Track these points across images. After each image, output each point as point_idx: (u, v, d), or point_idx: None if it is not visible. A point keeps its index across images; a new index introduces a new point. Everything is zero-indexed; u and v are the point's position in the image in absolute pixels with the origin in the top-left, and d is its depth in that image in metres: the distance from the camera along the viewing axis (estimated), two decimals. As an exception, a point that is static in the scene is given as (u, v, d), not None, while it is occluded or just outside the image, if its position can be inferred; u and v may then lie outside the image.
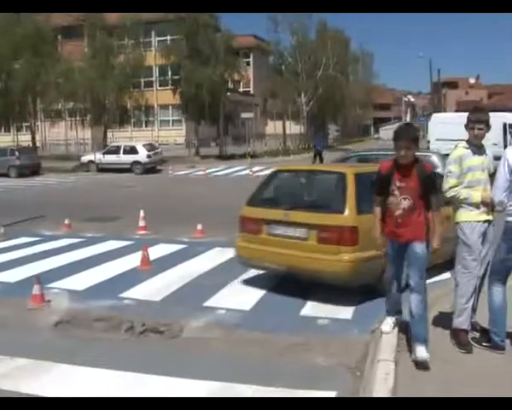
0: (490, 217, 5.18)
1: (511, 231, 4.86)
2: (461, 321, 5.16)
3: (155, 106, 50.49)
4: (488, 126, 5.17)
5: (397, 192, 5.02)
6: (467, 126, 5.21)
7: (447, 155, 5.80)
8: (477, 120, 5.13)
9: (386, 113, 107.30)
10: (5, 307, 7.09)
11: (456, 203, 5.22)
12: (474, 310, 5.33)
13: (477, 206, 5.11)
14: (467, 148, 5.20)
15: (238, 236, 7.83)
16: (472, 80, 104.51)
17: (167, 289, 7.70)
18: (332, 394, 4.50)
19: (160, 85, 50.41)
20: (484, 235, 5.16)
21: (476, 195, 5.09)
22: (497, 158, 5.04)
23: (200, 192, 18.46)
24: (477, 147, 5.21)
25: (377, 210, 5.30)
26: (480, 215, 5.13)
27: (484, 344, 5.07)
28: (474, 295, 5.18)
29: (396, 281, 5.41)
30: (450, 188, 5.17)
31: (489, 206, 5.12)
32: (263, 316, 6.61)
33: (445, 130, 22.75)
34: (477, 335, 5.25)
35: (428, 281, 7.73)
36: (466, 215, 5.15)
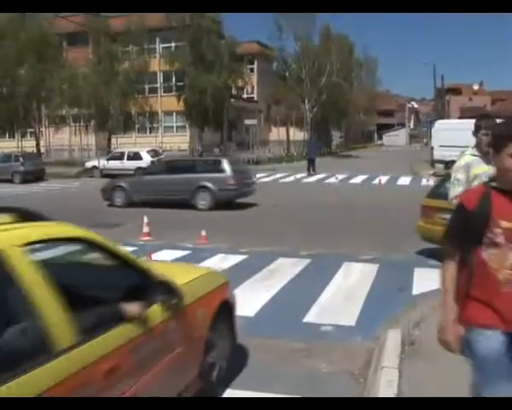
0: None
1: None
2: None
3: (159, 112, 50.65)
4: None
5: (501, 239, 2.81)
6: (476, 133, 5.15)
7: (453, 162, 5.77)
8: (489, 127, 5.09)
9: (390, 119, 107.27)
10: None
11: None
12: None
13: None
14: (474, 155, 5.14)
15: (419, 219, 10.09)
16: (475, 87, 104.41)
17: (171, 296, 7.69)
18: (335, 401, 4.49)
19: (164, 92, 50.60)
20: None
21: None
22: None
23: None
24: (484, 154, 5.17)
25: (448, 277, 2.99)
26: None
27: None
28: None
29: None
30: (457, 196, 5.07)
31: None
32: (266, 322, 6.60)
33: (449, 136, 22.81)
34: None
35: (431, 289, 7.75)
36: None
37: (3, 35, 35.28)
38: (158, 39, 49.94)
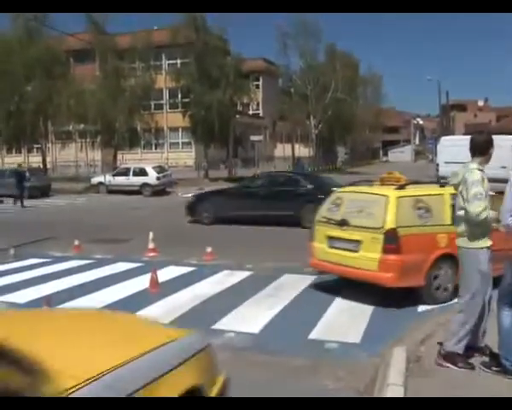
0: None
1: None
2: (460, 347, 5.14)
3: (165, 128, 50.88)
4: None
5: None
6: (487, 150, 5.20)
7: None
8: None
9: (395, 136, 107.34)
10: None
11: (482, 227, 5.04)
12: (483, 333, 5.30)
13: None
14: (481, 170, 5.12)
15: None
16: (480, 103, 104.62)
17: (176, 312, 7.69)
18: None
19: (170, 108, 50.84)
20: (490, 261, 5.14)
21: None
22: (506, 181, 5.04)
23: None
24: None
25: None
26: (487, 242, 5.11)
27: (494, 369, 5.03)
28: (478, 321, 5.16)
29: None
30: (484, 210, 4.91)
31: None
32: (271, 339, 6.59)
33: (455, 152, 22.71)
34: (487, 359, 5.22)
35: (436, 305, 7.72)
36: (483, 242, 5.06)
37: (12, 52, 35.61)
38: (164, 56, 50.28)
